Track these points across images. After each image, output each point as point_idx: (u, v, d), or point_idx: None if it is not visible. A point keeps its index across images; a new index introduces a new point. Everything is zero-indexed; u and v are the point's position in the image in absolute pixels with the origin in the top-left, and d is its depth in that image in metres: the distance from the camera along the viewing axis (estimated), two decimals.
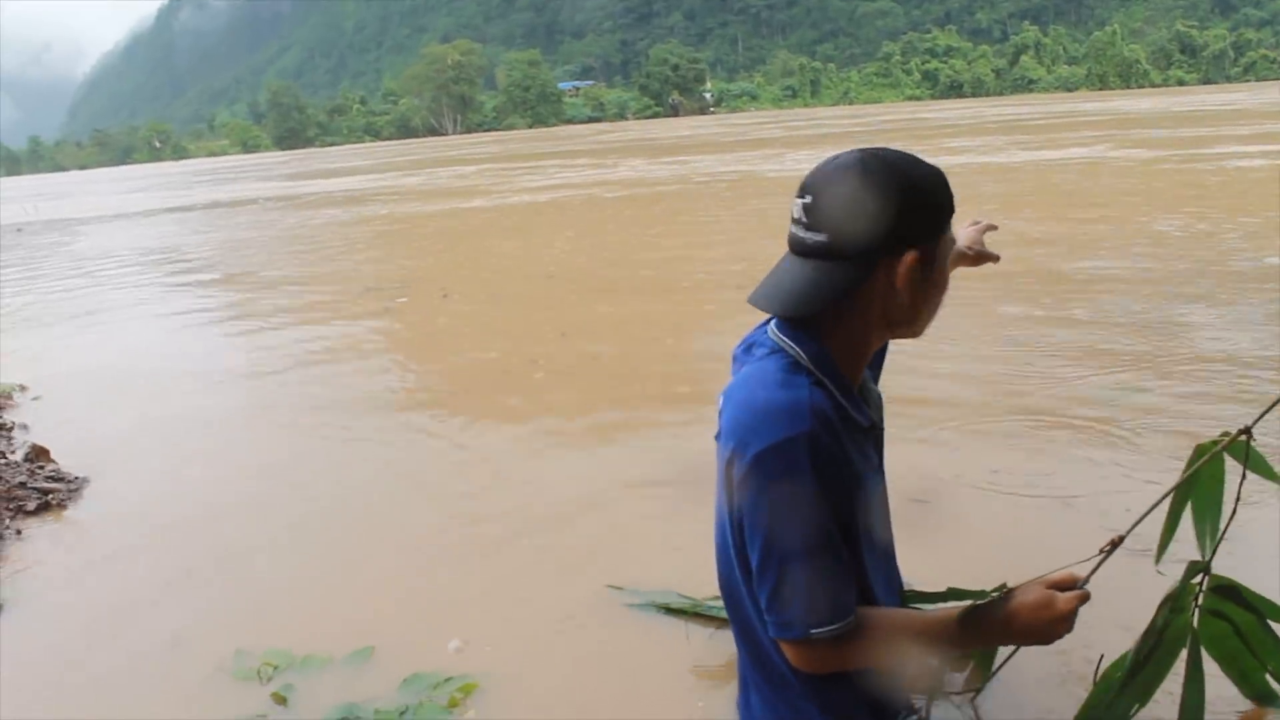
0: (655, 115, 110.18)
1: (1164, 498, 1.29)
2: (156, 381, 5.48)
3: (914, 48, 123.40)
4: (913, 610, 1.43)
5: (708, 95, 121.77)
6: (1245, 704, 1.62)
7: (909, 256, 1.28)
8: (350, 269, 9.66)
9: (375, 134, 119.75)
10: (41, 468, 3.77)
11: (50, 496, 3.47)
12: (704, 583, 2.32)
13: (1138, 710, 1.34)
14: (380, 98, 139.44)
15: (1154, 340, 4.66)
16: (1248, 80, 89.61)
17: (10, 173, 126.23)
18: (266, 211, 18.90)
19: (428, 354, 5.97)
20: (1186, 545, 1.32)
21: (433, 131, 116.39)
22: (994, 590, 1.29)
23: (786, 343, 1.35)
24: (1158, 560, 1.27)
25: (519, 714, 2.06)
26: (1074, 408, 3.76)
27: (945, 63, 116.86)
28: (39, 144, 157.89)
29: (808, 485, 1.23)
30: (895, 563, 1.58)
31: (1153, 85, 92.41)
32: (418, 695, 2.11)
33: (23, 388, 5.23)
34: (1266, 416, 1.33)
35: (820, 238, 1.30)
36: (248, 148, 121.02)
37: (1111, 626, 1.66)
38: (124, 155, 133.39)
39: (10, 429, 4.39)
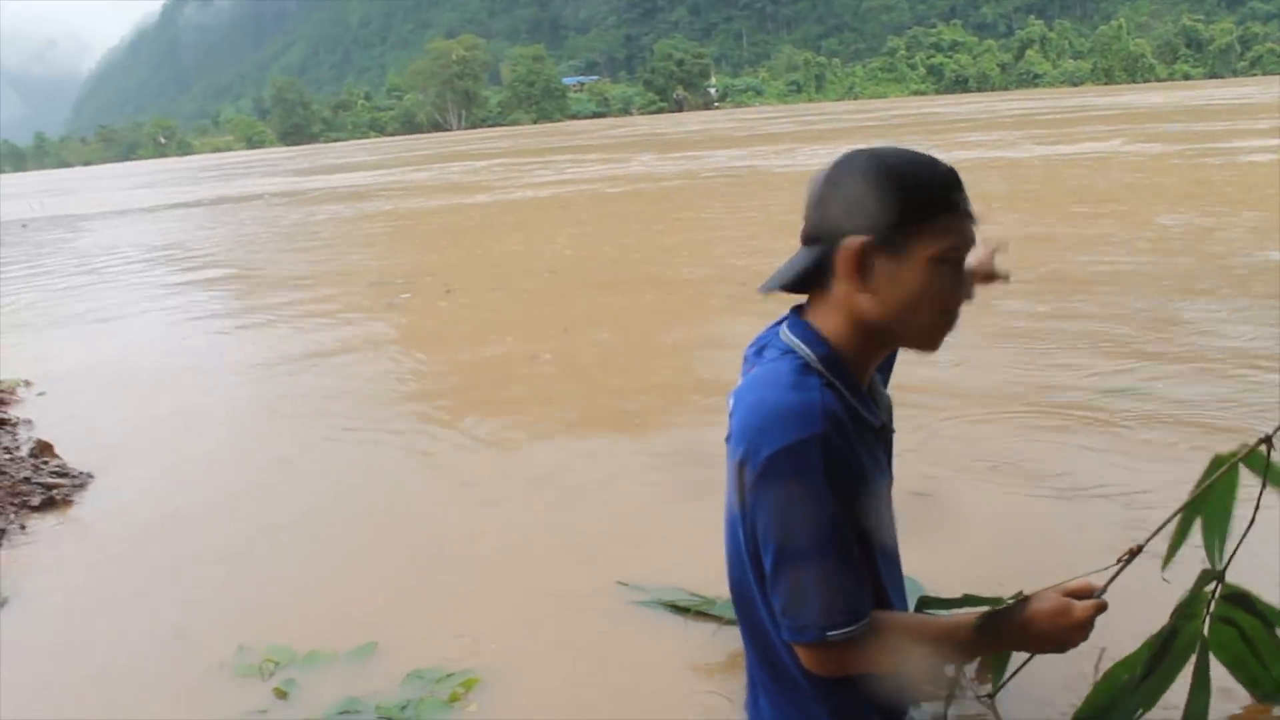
0: (659, 110, 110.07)
1: (1182, 508, 1.27)
2: (161, 377, 5.49)
3: (919, 42, 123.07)
4: (928, 615, 1.43)
5: (712, 90, 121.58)
6: (1239, 708, 1.62)
7: (851, 242, 1.29)
8: (355, 265, 9.67)
9: (380, 129, 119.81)
10: (46, 463, 3.77)
11: (55, 492, 3.48)
12: (710, 580, 2.33)
13: (1142, 714, 1.35)
14: (385, 93, 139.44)
15: (1161, 335, 4.64)
16: (1254, 74, 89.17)
17: (15, 169, 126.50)
18: (271, 207, 18.92)
19: (431, 349, 5.96)
20: (1191, 549, 1.32)
21: (437, 127, 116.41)
22: (1010, 597, 1.29)
23: (797, 344, 1.35)
24: (1164, 566, 1.27)
25: (522, 709, 2.05)
26: (1076, 401, 3.75)
27: (950, 58, 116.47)
28: (44, 140, 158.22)
29: (820, 487, 1.23)
30: (900, 563, 1.57)
31: (1158, 80, 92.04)
32: (420, 690, 2.11)
33: (27, 383, 5.24)
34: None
35: (805, 225, 1.38)
36: (252, 144, 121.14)
37: (1112, 626, 1.59)
38: (129, 151, 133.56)
39: (15, 424, 4.40)
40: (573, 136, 46.79)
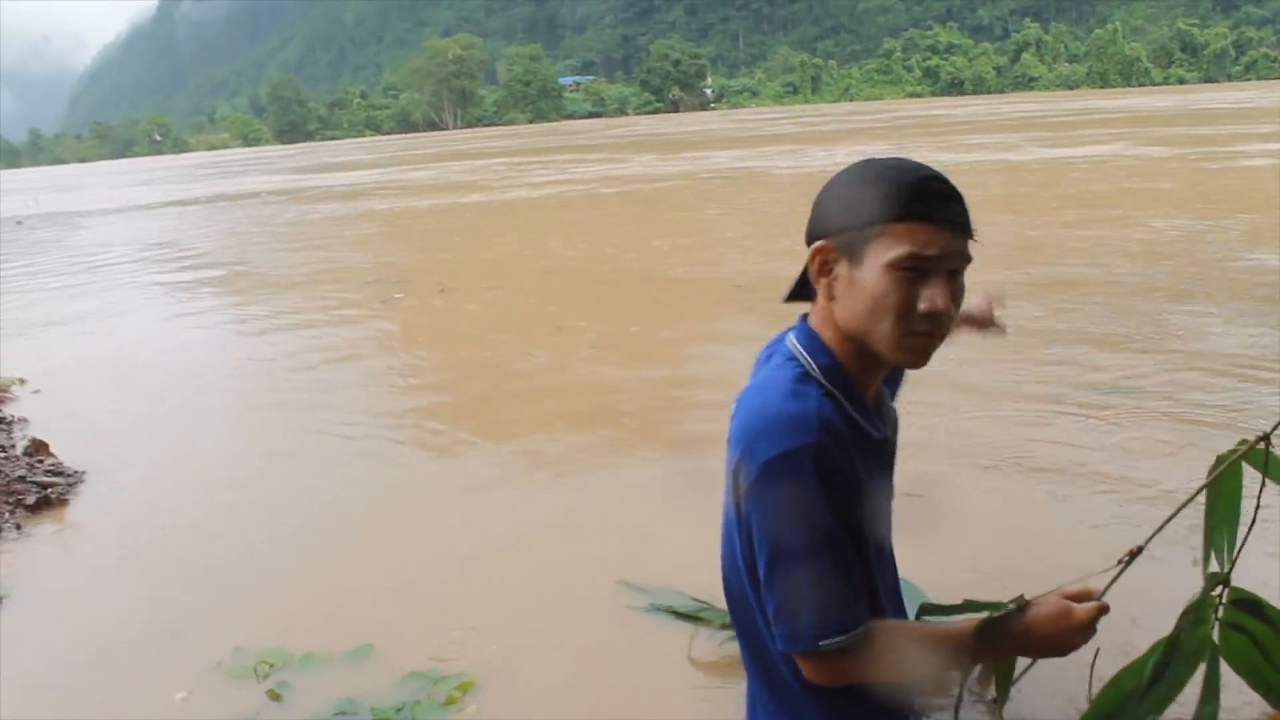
0: (656, 111, 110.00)
1: (1180, 509, 1.26)
2: (156, 375, 5.49)
3: (915, 44, 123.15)
4: (926, 622, 1.43)
5: (708, 91, 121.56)
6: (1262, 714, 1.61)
7: (814, 246, 1.32)
8: (352, 263, 9.65)
9: (376, 128, 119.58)
10: (41, 461, 3.77)
11: (50, 490, 3.48)
12: (710, 581, 2.33)
13: None
14: (381, 92, 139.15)
15: (1161, 336, 4.67)
16: (1249, 79, 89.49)
17: (10, 165, 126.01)
18: (267, 205, 18.88)
19: (426, 348, 5.96)
20: (1185, 551, 1.38)
21: (433, 126, 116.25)
22: (1010, 602, 1.29)
23: (800, 352, 1.35)
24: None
25: (521, 710, 2.06)
26: (1075, 403, 3.77)
27: (946, 60, 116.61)
28: (39, 137, 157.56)
29: (815, 495, 1.23)
30: (895, 571, 1.58)
31: (1153, 84, 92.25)
32: (416, 692, 2.11)
33: (22, 381, 5.23)
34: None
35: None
36: (248, 141, 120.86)
37: (1110, 626, 1.55)
38: (124, 148, 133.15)
39: (10, 423, 4.40)
40: (574, 136, 46.73)
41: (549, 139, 46.03)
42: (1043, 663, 1.33)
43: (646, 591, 2.48)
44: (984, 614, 1.29)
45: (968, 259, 1.29)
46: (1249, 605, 1.26)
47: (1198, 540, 1.26)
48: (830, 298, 1.32)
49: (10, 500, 3.38)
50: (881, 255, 1.25)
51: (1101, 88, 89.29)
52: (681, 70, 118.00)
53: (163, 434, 4.34)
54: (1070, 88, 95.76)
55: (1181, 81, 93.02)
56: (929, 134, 25.21)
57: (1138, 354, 4.45)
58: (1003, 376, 4.25)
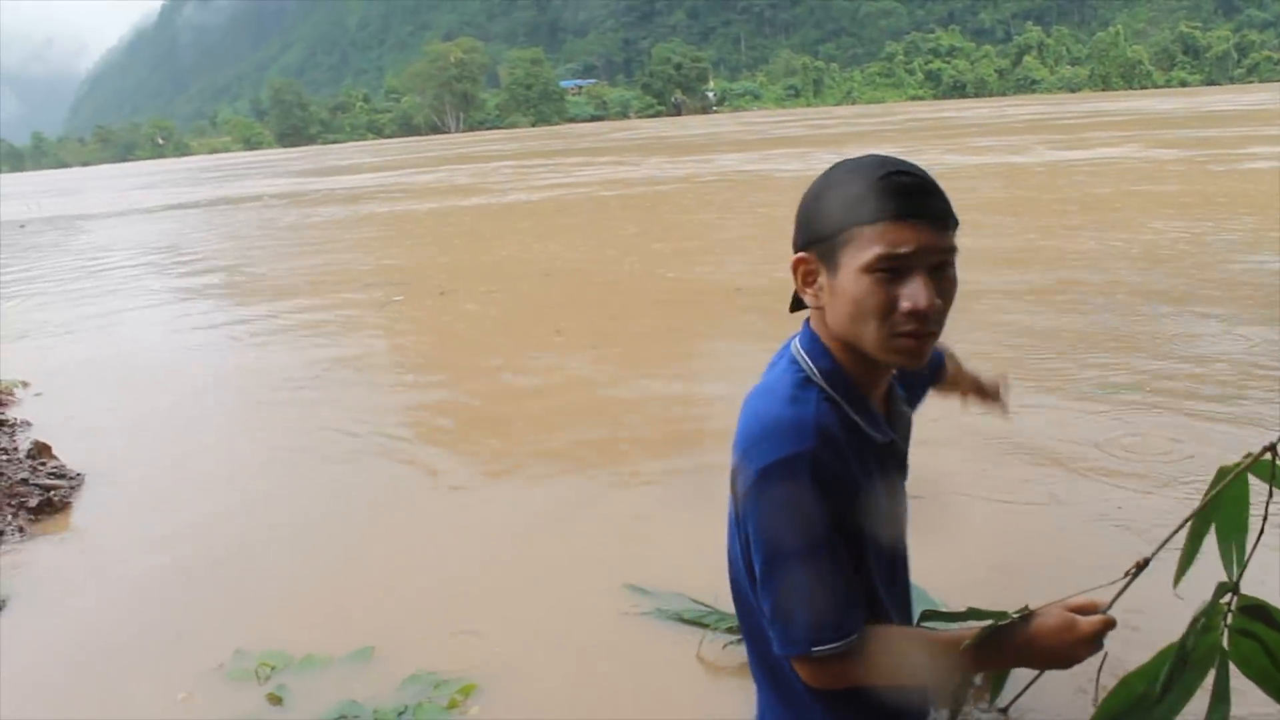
0: (658, 114, 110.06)
1: (1188, 519, 1.27)
2: (158, 378, 5.49)
3: (917, 48, 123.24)
4: (928, 629, 1.42)
5: (710, 94, 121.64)
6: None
7: (794, 258, 1.32)
8: (352, 266, 9.65)
9: (378, 131, 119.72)
10: (43, 464, 3.77)
11: (52, 493, 3.48)
12: (714, 583, 2.33)
13: None
14: (383, 95, 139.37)
15: (1167, 340, 4.66)
16: (1251, 81, 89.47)
17: (13, 169, 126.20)
18: (269, 209, 18.90)
19: (427, 351, 5.96)
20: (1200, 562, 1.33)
21: (435, 129, 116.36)
22: (1015, 612, 1.28)
23: (802, 356, 1.35)
24: (1176, 584, 1.26)
25: (522, 714, 2.06)
26: (1074, 398, 3.77)
27: (948, 63, 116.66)
28: (42, 140, 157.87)
29: (810, 501, 1.23)
30: (907, 579, 1.56)
31: (1155, 86, 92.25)
32: (418, 695, 2.11)
33: (25, 384, 5.24)
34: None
35: None
36: (250, 145, 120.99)
37: (1114, 632, 1.57)
38: (126, 151, 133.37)
39: (13, 425, 4.40)
40: (580, 139, 46.71)
41: (553, 142, 46.06)
42: (1055, 671, 1.32)
43: (652, 595, 2.48)
44: (987, 623, 1.28)
45: (950, 250, 1.25)
46: (1258, 612, 1.26)
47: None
48: (818, 306, 1.32)
49: (13, 503, 3.38)
50: (855, 260, 1.23)
51: (1103, 90, 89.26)
52: (683, 73, 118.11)
53: (164, 436, 4.34)
54: (1072, 90, 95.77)
55: (1183, 84, 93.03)
56: (940, 136, 25.19)
57: (1138, 354, 4.45)
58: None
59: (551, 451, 3.83)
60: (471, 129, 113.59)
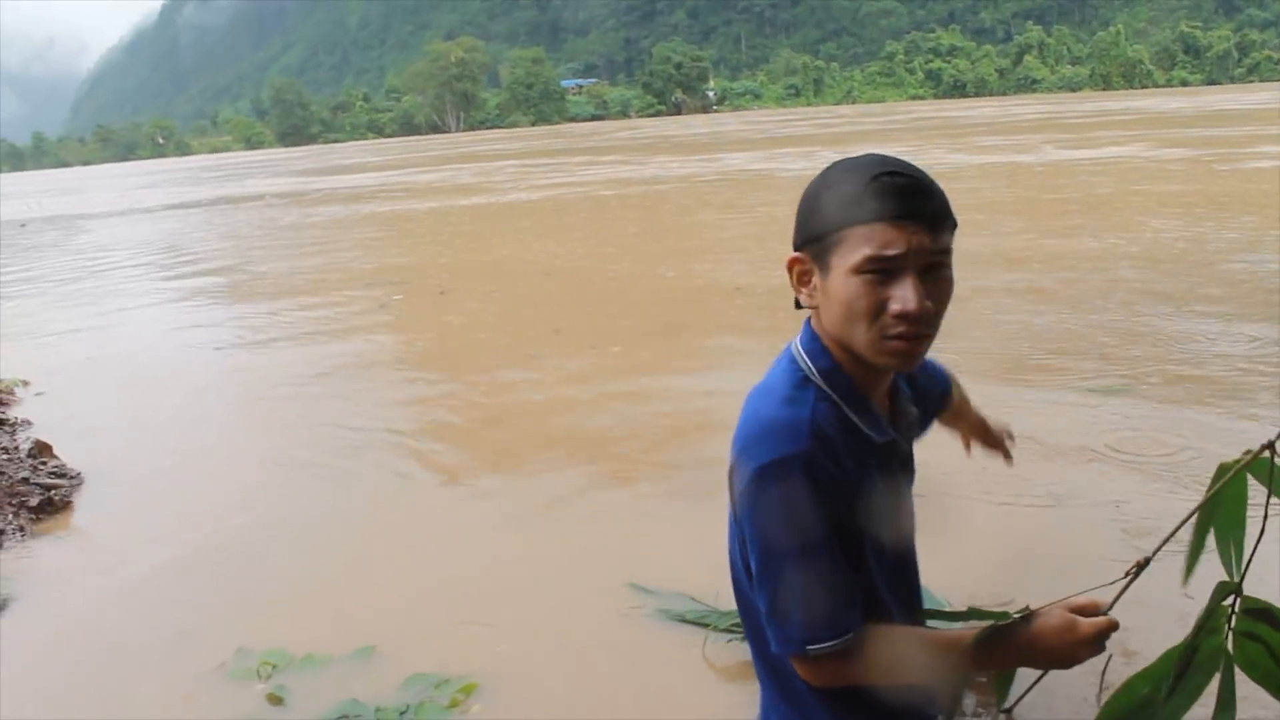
0: (658, 113, 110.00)
1: (1188, 518, 1.26)
2: (159, 377, 5.49)
3: (917, 47, 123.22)
4: (929, 629, 1.42)
5: (710, 94, 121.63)
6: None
7: (789, 259, 1.33)
8: (352, 267, 9.65)
9: (378, 131, 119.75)
10: (44, 463, 3.77)
11: (53, 492, 3.48)
12: (717, 582, 2.33)
13: None
14: (383, 95, 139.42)
15: (1168, 340, 4.66)
16: (1251, 81, 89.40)
17: (14, 169, 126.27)
18: (270, 208, 18.90)
19: (424, 350, 5.96)
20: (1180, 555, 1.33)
21: (435, 129, 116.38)
22: (1016, 612, 1.28)
23: (802, 356, 1.35)
24: (1185, 581, 1.24)
25: (524, 713, 2.06)
26: (1071, 399, 3.76)
27: (949, 62, 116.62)
28: (42, 140, 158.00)
29: (805, 501, 1.23)
30: (915, 579, 1.56)
31: (1156, 86, 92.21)
32: (419, 695, 2.11)
33: (25, 383, 5.24)
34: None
35: None
36: (250, 144, 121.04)
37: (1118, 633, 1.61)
38: (127, 151, 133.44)
39: (13, 425, 4.40)
40: (585, 138, 46.64)
41: (556, 141, 46.03)
42: (1059, 673, 1.32)
43: (655, 594, 2.47)
44: (988, 623, 1.28)
45: (943, 252, 1.24)
46: (1262, 614, 1.26)
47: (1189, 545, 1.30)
48: (813, 306, 1.32)
49: (14, 502, 3.38)
50: (846, 261, 1.22)
51: (1104, 90, 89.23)
52: (684, 73, 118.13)
53: (165, 435, 4.34)
54: (1073, 90, 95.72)
55: (1184, 84, 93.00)
56: (948, 135, 25.13)
57: (1138, 353, 4.44)
58: (1002, 375, 4.25)
59: (551, 450, 3.82)
60: (472, 128, 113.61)
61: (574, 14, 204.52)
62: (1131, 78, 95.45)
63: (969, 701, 1.91)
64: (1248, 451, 1.24)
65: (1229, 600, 1.26)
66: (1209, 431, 3.39)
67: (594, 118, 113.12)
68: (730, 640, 2.21)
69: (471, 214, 14.57)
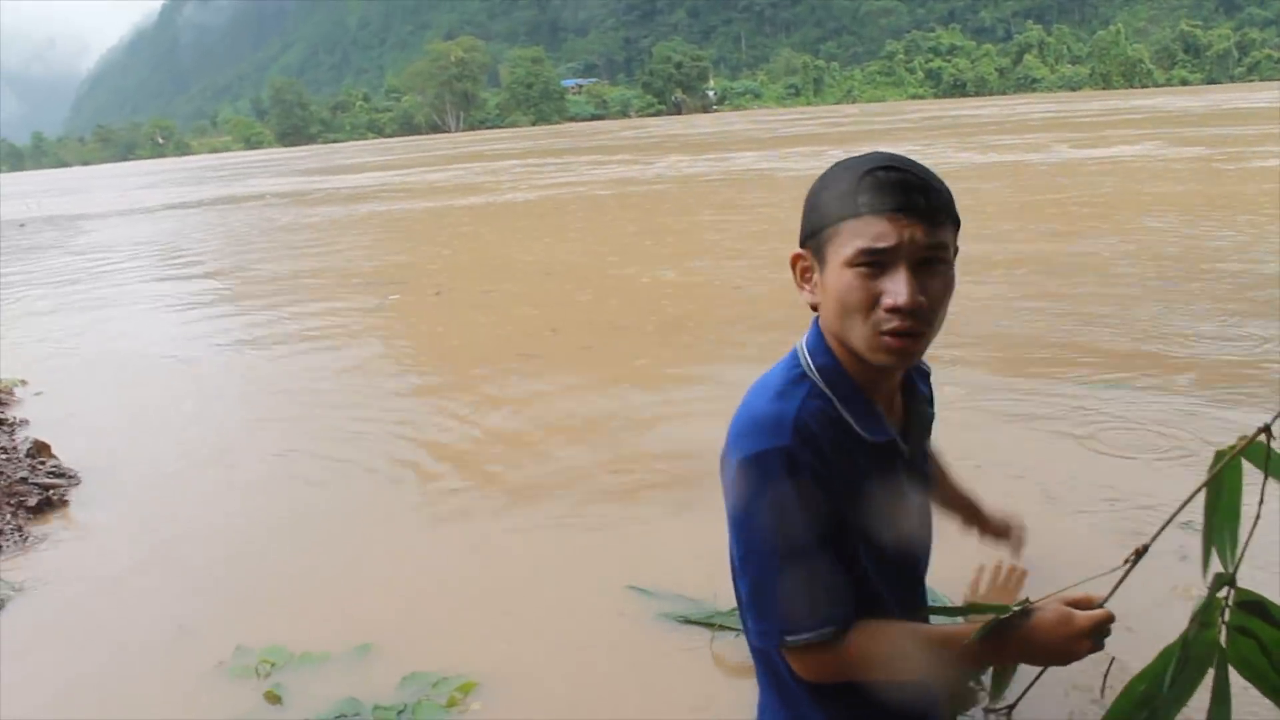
0: (658, 113, 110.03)
1: (1182, 507, 1.24)
2: (158, 377, 5.48)
3: (917, 46, 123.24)
4: (925, 624, 1.40)
5: (710, 93, 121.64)
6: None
7: (791, 255, 1.34)
8: (352, 266, 9.65)
9: (378, 131, 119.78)
10: (43, 463, 3.77)
11: (52, 492, 3.48)
12: (718, 582, 2.33)
13: None
14: (383, 94, 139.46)
15: (1170, 338, 4.66)
16: (1251, 80, 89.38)
17: (13, 168, 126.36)
18: (269, 208, 18.90)
19: (426, 350, 5.96)
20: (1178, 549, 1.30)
21: (435, 129, 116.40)
22: (1016, 604, 1.26)
23: (804, 353, 1.35)
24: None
25: (522, 712, 2.05)
26: (1071, 401, 3.76)
27: (949, 61, 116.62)
28: (42, 139, 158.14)
29: (785, 495, 1.23)
30: (920, 577, 1.54)
31: (1156, 85, 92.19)
32: (417, 693, 2.11)
33: (24, 383, 5.23)
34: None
35: None
36: (250, 144, 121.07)
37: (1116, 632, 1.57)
38: (127, 151, 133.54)
39: (12, 424, 4.40)
40: (588, 138, 46.57)
41: (559, 140, 45.98)
42: (1061, 674, 1.31)
43: (655, 596, 2.47)
44: (987, 617, 1.27)
45: (940, 247, 1.22)
46: (1255, 608, 1.25)
47: (1186, 537, 1.20)
48: (814, 303, 1.32)
49: (12, 501, 3.37)
50: (839, 254, 1.22)
51: (1104, 89, 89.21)
52: (684, 72, 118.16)
53: (164, 434, 4.34)
54: (1073, 89, 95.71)
55: (1184, 83, 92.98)
56: (957, 134, 25.05)
57: (1138, 354, 4.44)
58: (999, 374, 4.24)
59: (549, 449, 3.82)
60: (472, 128, 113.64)
61: (574, 13, 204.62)
62: (1131, 77, 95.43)
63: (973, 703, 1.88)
64: (1242, 436, 1.24)
65: (1223, 592, 1.25)
66: (1208, 428, 3.39)
67: (594, 117, 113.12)
68: (737, 635, 2.20)
69: (471, 214, 14.56)
